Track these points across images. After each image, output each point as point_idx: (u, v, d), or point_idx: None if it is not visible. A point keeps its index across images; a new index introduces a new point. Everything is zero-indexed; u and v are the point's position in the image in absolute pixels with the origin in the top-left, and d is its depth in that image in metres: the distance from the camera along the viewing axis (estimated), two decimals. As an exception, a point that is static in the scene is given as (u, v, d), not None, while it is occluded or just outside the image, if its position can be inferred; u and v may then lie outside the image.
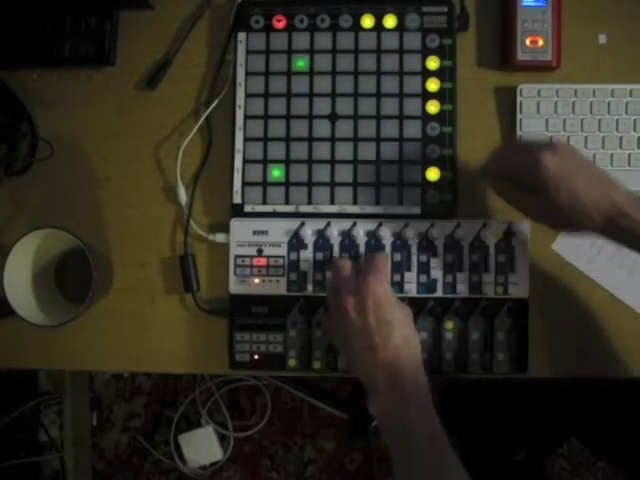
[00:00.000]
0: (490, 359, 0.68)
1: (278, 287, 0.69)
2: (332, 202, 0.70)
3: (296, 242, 0.69)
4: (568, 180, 0.56)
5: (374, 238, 0.69)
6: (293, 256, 0.69)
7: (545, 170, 0.56)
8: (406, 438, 0.54)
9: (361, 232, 0.69)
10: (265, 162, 0.71)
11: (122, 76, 0.74)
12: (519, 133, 0.70)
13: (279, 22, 0.71)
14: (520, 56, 0.69)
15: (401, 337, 0.58)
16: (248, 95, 0.71)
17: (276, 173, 0.70)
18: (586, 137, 0.70)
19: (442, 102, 0.70)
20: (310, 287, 0.69)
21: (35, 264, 0.70)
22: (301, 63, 0.71)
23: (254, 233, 0.70)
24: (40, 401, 1.37)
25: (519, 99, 0.70)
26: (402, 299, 0.68)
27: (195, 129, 0.72)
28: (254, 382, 1.38)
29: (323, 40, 0.71)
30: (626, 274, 0.70)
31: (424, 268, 0.69)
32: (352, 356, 0.60)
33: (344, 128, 0.70)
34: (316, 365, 0.69)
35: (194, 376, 1.40)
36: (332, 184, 0.70)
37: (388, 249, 0.69)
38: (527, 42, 0.69)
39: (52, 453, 1.39)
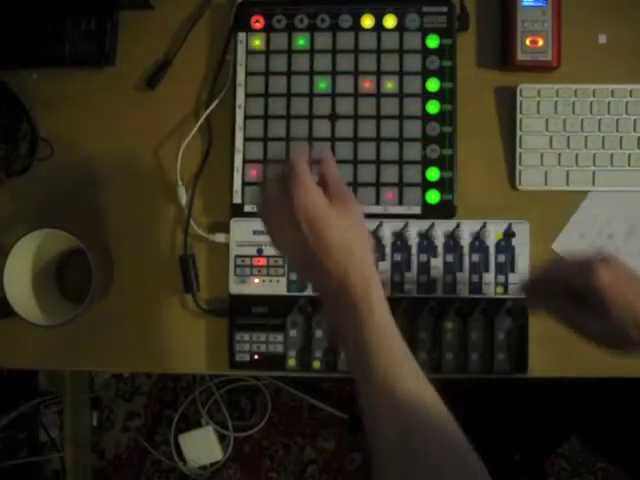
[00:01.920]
0: (490, 359, 0.68)
1: (278, 287, 0.69)
2: (332, 202, 0.70)
3: (296, 242, 0.69)
4: (623, 290, 0.54)
5: (374, 238, 0.69)
6: (293, 256, 0.69)
7: (600, 280, 0.54)
8: (359, 337, 0.50)
9: (361, 232, 0.69)
10: (265, 162, 0.71)
11: (122, 76, 0.74)
12: (519, 133, 0.70)
13: (279, 22, 0.71)
14: (520, 56, 0.69)
15: (343, 251, 0.50)
16: (248, 95, 0.71)
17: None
18: (586, 137, 0.70)
19: (442, 102, 0.70)
20: (310, 287, 0.69)
21: (35, 264, 0.70)
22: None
23: (254, 233, 0.70)
24: (40, 401, 1.37)
25: (519, 99, 0.70)
26: (402, 299, 0.69)
27: (195, 129, 0.72)
28: (254, 382, 1.39)
29: (323, 40, 0.71)
30: (626, 274, 0.70)
31: (424, 268, 0.69)
32: (302, 270, 0.56)
33: (344, 128, 0.70)
34: (316, 365, 0.69)
35: (194, 376, 1.40)
36: (332, 184, 0.70)
37: (388, 249, 0.69)
38: (527, 42, 0.69)
39: (52, 453, 1.39)
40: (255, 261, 0.69)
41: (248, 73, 0.71)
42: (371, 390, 0.48)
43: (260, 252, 0.69)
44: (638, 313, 0.54)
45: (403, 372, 0.49)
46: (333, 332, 0.54)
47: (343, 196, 0.53)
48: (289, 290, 0.69)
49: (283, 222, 0.51)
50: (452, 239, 0.69)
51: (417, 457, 0.45)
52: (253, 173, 0.71)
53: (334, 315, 0.52)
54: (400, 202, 0.70)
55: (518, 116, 0.70)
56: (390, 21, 0.71)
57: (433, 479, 0.44)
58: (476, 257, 0.69)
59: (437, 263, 0.69)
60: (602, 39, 0.71)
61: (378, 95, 0.70)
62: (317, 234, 0.50)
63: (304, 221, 0.50)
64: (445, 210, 0.70)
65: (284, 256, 0.57)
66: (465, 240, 0.69)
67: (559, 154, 0.70)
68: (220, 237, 0.71)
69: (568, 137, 0.70)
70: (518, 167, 0.70)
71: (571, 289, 0.57)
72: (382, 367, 0.48)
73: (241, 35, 0.72)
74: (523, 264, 0.68)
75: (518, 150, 0.70)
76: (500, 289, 0.69)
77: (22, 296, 0.67)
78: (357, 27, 0.71)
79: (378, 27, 0.71)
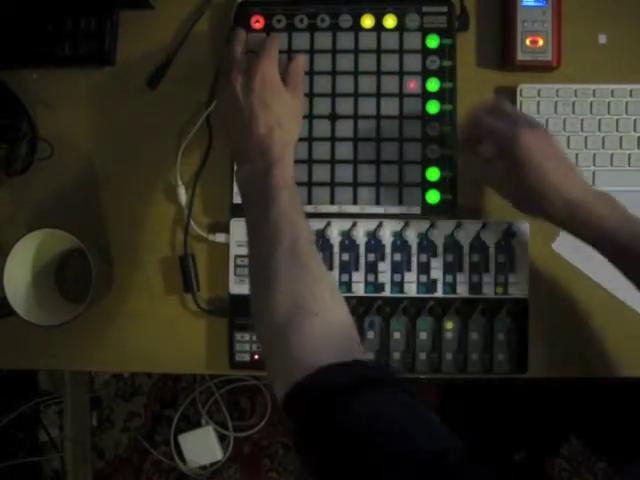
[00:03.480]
0: (490, 359, 0.68)
1: (278, 287, 0.69)
2: (332, 202, 0.70)
3: (296, 242, 0.69)
4: (539, 162, 0.58)
5: (374, 238, 0.69)
6: (293, 256, 0.69)
7: (522, 147, 0.58)
8: (265, 197, 0.57)
9: (361, 232, 0.69)
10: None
11: (122, 76, 0.74)
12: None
13: (279, 22, 0.71)
14: (520, 56, 0.70)
15: (276, 120, 0.60)
16: (248, 95, 0.71)
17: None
18: (586, 137, 0.70)
19: (442, 102, 0.70)
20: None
21: (35, 264, 0.70)
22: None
23: (254, 233, 0.69)
24: (40, 401, 1.37)
25: (519, 99, 0.70)
26: (402, 299, 0.69)
27: (195, 129, 0.72)
28: (254, 382, 1.38)
29: (323, 40, 0.71)
30: (626, 274, 0.70)
31: (424, 268, 0.69)
32: (231, 131, 0.63)
33: (344, 128, 0.70)
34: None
35: (194, 376, 1.40)
36: (332, 184, 0.70)
37: (388, 249, 0.69)
38: (527, 42, 0.69)
39: (52, 453, 1.39)
40: (255, 261, 0.69)
41: (248, 73, 0.71)
42: (273, 213, 0.56)
43: (260, 252, 0.69)
44: (547, 185, 0.58)
45: (296, 208, 0.57)
46: (242, 176, 0.61)
47: (297, 85, 0.64)
48: (289, 290, 0.69)
49: (240, 74, 0.61)
50: (452, 239, 0.69)
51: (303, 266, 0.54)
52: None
53: (249, 156, 0.60)
54: (400, 202, 0.70)
55: (518, 116, 0.70)
56: (390, 21, 0.71)
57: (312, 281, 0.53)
58: (476, 257, 0.69)
59: (437, 263, 0.69)
60: (602, 39, 0.71)
61: (378, 95, 0.70)
62: (263, 92, 0.60)
63: (259, 78, 0.60)
64: (445, 210, 0.70)
65: (223, 104, 0.64)
66: (465, 240, 0.69)
67: (559, 154, 0.70)
68: (220, 237, 0.71)
69: (568, 137, 0.70)
70: (518, 167, 0.70)
71: (495, 144, 0.61)
72: (284, 197, 0.56)
73: (241, 35, 0.71)
74: (523, 264, 0.68)
75: (518, 150, 0.70)
76: (500, 289, 0.69)
77: (22, 296, 0.67)
78: (357, 27, 0.71)
79: (378, 27, 0.71)
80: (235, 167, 0.63)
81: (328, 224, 0.69)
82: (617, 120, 0.70)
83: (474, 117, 0.63)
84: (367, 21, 0.71)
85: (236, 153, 0.63)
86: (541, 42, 0.69)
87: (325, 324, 0.50)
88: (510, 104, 0.64)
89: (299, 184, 0.70)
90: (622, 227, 0.58)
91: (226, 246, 0.70)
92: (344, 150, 0.70)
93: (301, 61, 0.65)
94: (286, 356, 0.49)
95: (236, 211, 0.70)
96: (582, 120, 0.70)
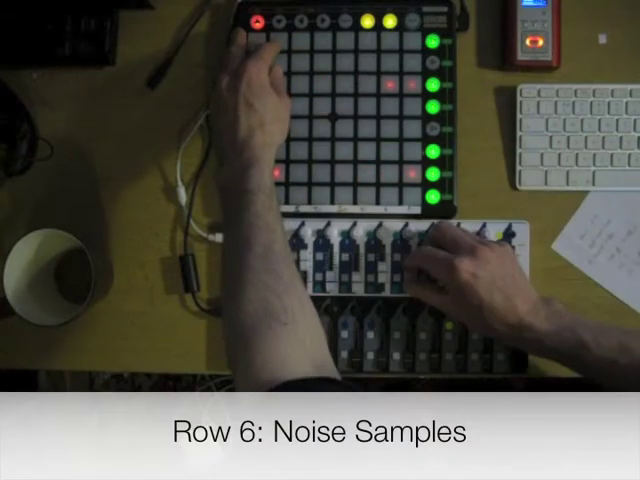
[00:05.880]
0: (490, 359, 0.68)
1: (278, 287, 0.69)
2: (332, 202, 0.70)
3: (296, 242, 0.69)
4: (477, 288, 0.58)
5: (374, 238, 0.69)
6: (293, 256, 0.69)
7: (456, 276, 0.58)
8: (241, 198, 0.57)
9: (361, 232, 0.69)
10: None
11: (122, 76, 0.74)
12: (519, 133, 0.70)
13: (279, 22, 0.71)
14: (520, 56, 0.70)
15: (258, 121, 0.60)
16: (248, 95, 0.71)
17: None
18: (586, 137, 0.70)
19: (442, 102, 0.70)
20: (310, 287, 0.69)
21: (35, 264, 0.70)
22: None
23: (254, 233, 0.69)
24: (40, 401, 1.37)
25: (519, 99, 0.70)
26: (402, 299, 0.69)
27: (195, 129, 0.72)
28: (254, 382, 1.38)
29: (323, 40, 0.71)
30: (626, 274, 0.70)
31: (424, 268, 0.69)
32: (218, 132, 0.64)
33: (344, 128, 0.70)
34: (316, 365, 0.69)
35: (194, 376, 1.40)
36: (332, 184, 0.70)
37: (388, 249, 0.69)
38: (527, 42, 0.69)
39: (52, 453, 1.39)
40: (255, 261, 0.69)
41: (248, 73, 0.71)
42: (248, 216, 0.56)
43: (260, 252, 0.69)
44: (487, 312, 0.58)
45: (272, 211, 0.57)
46: (221, 177, 0.61)
47: (282, 90, 0.64)
48: (289, 290, 0.69)
49: (228, 74, 0.62)
50: (452, 239, 0.69)
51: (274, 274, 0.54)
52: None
53: (229, 157, 0.61)
54: (400, 202, 0.70)
55: (518, 116, 0.70)
56: (390, 21, 0.71)
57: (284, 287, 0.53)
58: (476, 257, 0.69)
59: (437, 263, 0.69)
60: (602, 39, 0.71)
61: (378, 95, 0.70)
62: (247, 92, 0.60)
63: (245, 81, 0.60)
64: (445, 210, 0.70)
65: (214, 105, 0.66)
66: (465, 240, 0.69)
67: (559, 154, 0.70)
68: (220, 237, 0.71)
69: (568, 137, 0.70)
70: (518, 167, 0.70)
71: (433, 275, 0.63)
72: (260, 200, 0.57)
73: (241, 35, 0.71)
74: (523, 264, 0.68)
75: (518, 150, 0.70)
76: (500, 289, 0.68)
77: (22, 296, 0.67)
78: (357, 27, 0.71)
79: (378, 27, 0.71)
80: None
81: (328, 224, 0.69)
82: (617, 120, 0.70)
83: (419, 252, 0.64)
84: (367, 21, 0.71)
85: (221, 154, 0.62)
86: (541, 42, 0.69)
87: (292, 335, 0.50)
88: (453, 227, 0.64)
89: (299, 184, 0.70)
90: (568, 339, 0.58)
91: (226, 246, 0.70)
92: (344, 150, 0.70)
93: (279, 68, 0.66)
94: (251, 365, 0.49)
95: (236, 211, 0.70)
96: (582, 120, 0.70)
